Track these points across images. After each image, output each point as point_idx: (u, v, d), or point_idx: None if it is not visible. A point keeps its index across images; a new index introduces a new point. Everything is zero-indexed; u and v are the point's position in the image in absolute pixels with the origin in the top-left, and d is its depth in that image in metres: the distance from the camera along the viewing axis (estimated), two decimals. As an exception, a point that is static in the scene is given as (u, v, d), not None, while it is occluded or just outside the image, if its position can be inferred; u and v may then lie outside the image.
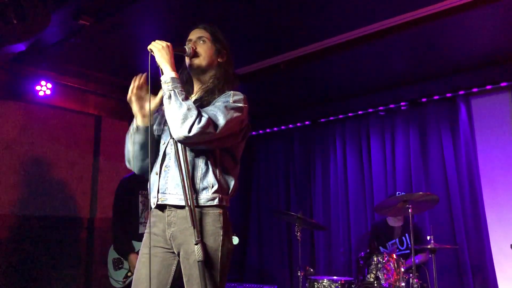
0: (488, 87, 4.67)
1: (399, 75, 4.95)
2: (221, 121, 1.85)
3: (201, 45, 2.07)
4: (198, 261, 1.76)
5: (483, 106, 4.83)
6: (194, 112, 1.80)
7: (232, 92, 2.00)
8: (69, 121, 5.03)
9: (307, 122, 6.01)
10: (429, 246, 3.77)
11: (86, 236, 5.01)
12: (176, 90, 1.85)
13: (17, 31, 3.22)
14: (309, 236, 5.74)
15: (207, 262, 1.84)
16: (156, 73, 1.95)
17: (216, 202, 1.92)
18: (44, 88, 4.58)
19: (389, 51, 4.35)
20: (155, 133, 2.09)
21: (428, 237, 3.82)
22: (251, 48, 4.27)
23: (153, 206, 2.00)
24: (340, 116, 5.70)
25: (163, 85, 1.88)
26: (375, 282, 3.70)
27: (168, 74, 1.89)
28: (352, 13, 3.67)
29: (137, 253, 3.65)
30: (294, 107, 5.93)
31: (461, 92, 4.80)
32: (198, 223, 1.87)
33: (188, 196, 1.81)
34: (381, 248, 4.54)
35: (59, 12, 3.46)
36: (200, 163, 1.93)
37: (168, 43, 1.94)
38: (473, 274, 4.54)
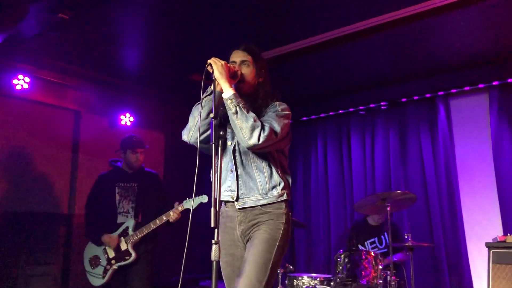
0: (467, 88, 4.75)
1: (380, 75, 5.00)
2: (277, 128, 2.16)
3: (245, 69, 2.28)
4: (213, 261, 1.86)
5: (461, 106, 4.91)
6: (259, 123, 2.09)
7: (277, 102, 2.30)
8: (47, 116, 4.93)
9: (288, 120, 6.01)
10: (406, 244, 3.83)
11: (64, 232, 4.94)
12: (240, 105, 2.09)
13: (-7, 23, 3.15)
14: (289, 234, 5.75)
15: (263, 248, 2.09)
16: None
17: (284, 197, 2.21)
18: (21, 82, 4.48)
19: (370, 51, 4.38)
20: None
21: (406, 235, 3.88)
22: (233, 46, 4.25)
23: (225, 199, 2.25)
24: (322, 115, 5.74)
25: (226, 101, 2.10)
26: (353, 279, 3.73)
27: (229, 91, 2.10)
28: (332, 13, 3.69)
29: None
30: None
31: (440, 93, 4.88)
32: (264, 219, 2.16)
33: (217, 197, 1.92)
34: (359, 246, 4.58)
35: (37, 5, 3.39)
36: (265, 166, 2.22)
37: (225, 62, 2.13)
38: (449, 272, 4.62)
